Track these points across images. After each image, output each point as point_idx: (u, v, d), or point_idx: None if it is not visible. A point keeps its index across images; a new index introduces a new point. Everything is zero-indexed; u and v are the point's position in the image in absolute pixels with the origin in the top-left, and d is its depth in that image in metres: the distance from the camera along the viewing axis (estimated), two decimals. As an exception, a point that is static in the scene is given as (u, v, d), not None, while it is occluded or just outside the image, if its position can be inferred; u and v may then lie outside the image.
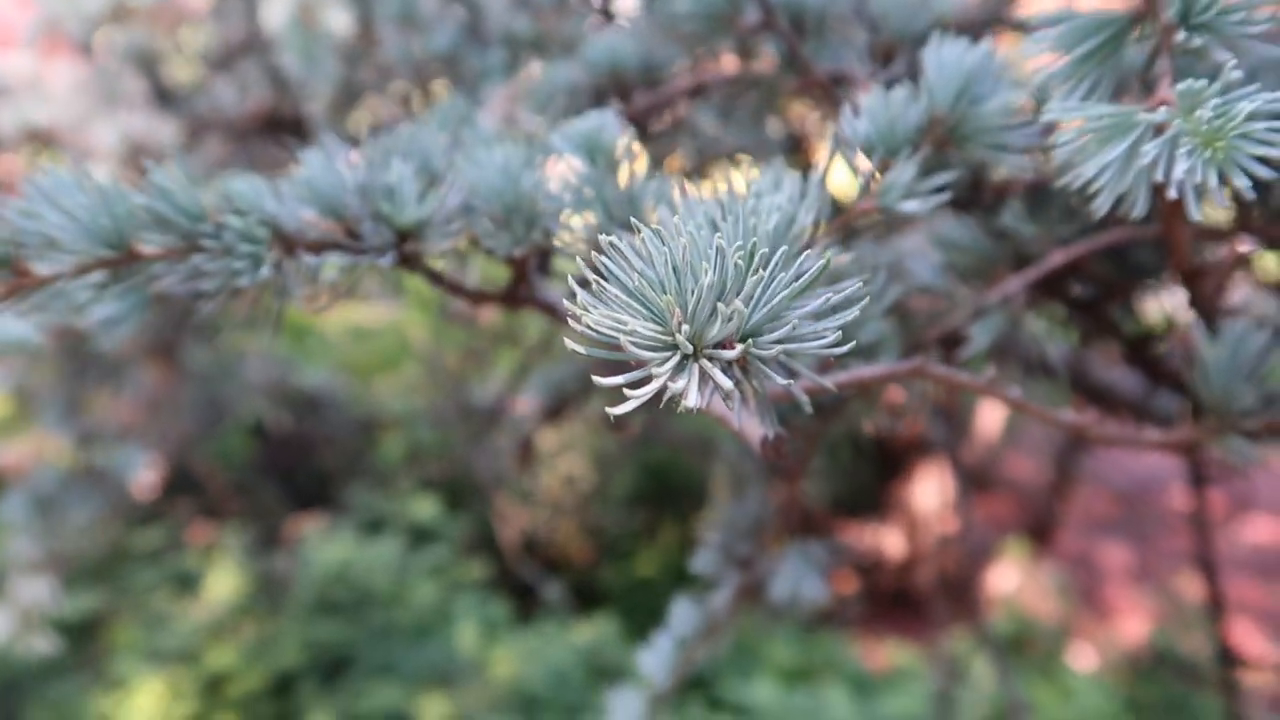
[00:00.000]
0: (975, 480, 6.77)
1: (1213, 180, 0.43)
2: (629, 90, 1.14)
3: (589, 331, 0.38)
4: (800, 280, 0.40)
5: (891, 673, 4.95)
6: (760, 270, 0.39)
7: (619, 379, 0.37)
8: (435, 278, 0.67)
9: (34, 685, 3.95)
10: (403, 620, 4.52)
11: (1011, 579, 6.07)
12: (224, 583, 4.42)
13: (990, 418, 5.52)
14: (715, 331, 0.38)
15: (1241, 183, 0.43)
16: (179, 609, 4.37)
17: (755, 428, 0.48)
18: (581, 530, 5.44)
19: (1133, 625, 6.03)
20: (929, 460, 5.29)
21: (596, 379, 0.37)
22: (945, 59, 0.64)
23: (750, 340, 0.39)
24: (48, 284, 0.51)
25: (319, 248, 0.62)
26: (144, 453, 1.58)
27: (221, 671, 4.07)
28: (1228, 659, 1.21)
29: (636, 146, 0.71)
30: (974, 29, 0.97)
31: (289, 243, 0.61)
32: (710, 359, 0.37)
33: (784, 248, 0.40)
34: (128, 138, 1.46)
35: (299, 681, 4.12)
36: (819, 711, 4.22)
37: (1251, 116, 0.42)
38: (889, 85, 0.92)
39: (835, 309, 0.41)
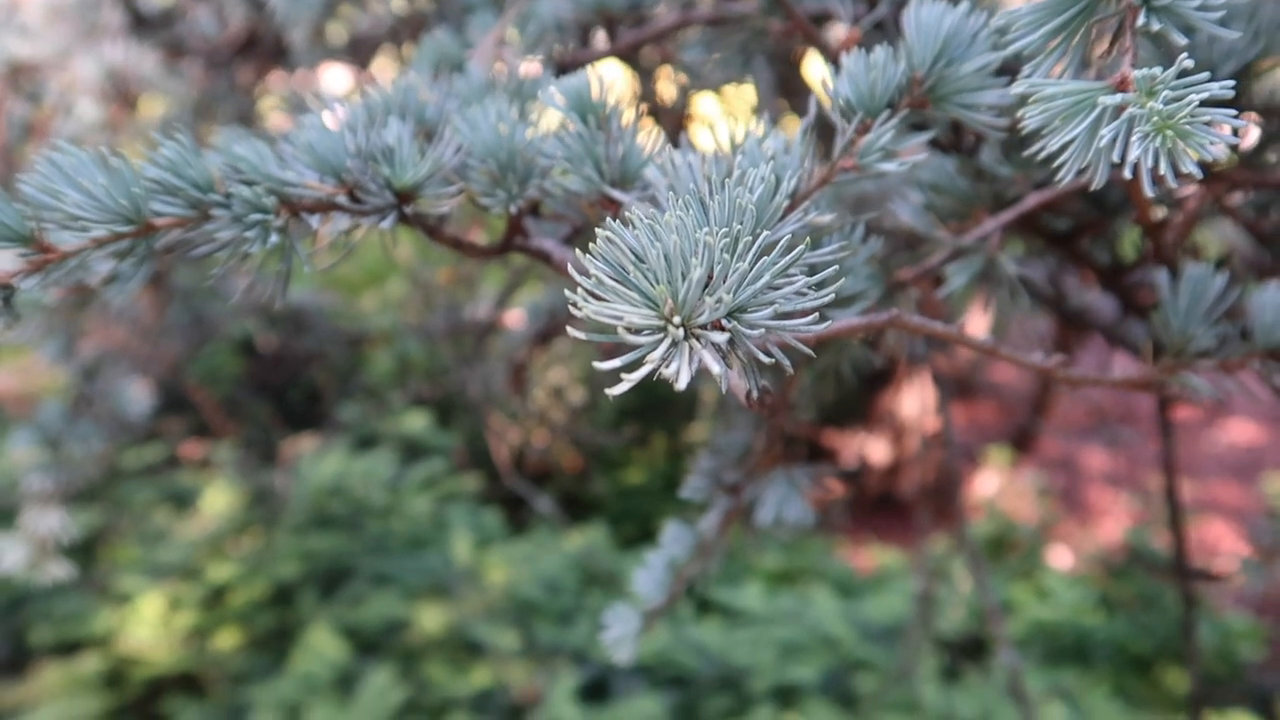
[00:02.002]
0: (959, 387, 6.88)
1: (1164, 165, 0.46)
2: (615, 26, 1.15)
3: (589, 319, 0.41)
4: (783, 262, 0.44)
5: (876, 573, 5.11)
6: (744, 259, 0.42)
7: (616, 362, 0.40)
8: (434, 234, 0.70)
9: (39, 602, 4.04)
10: (398, 531, 4.62)
11: (993, 483, 6.22)
12: (220, 498, 4.50)
13: (975, 327, 5.58)
14: (704, 316, 0.41)
15: (1191, 169, 0.46)
16: (177, 525, 4.45)
17: (741, 385, 0.51)
18: (571, 442, 5.53)
19: (1110, 526, 6.22)
20: (914, 370, 5.36)
21: (596, 364, 0.40)
22: (924, 20, 0.66)
23: (736, 320, 0.42)
24: (70, 258, 0.54)
25: (322, 209, 0.65)
26: (141, 382, 1.62)
27: (222, 584, 4.17)
28: (1186, 571, 1.28)
29: (626, 105, 0.73)
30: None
31: (293, 207, 0.63)
32: (699, 340, 0.41)
33: (765, 234, 0.44)
34: (110, 69, 1.46)
35: (298, 592, 4.23)
36: (805, 612, 4.37)
37: (1203, 105, 0.46)
38: (874, 27, 0.94)
39: (818, 286, 0.45)
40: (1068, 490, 6.62)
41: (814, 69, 1.74)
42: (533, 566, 4.60)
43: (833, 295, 0.44)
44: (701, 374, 0.45)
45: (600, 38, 1.17)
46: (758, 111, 1.51)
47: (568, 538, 4.89)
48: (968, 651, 4.28)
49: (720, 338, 0.41)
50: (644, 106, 1.26)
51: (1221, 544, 5.96)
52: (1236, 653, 4.42)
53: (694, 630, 4.19)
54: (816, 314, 0.43)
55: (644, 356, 0.40)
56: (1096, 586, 4.92)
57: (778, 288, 0.44)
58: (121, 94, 1.44)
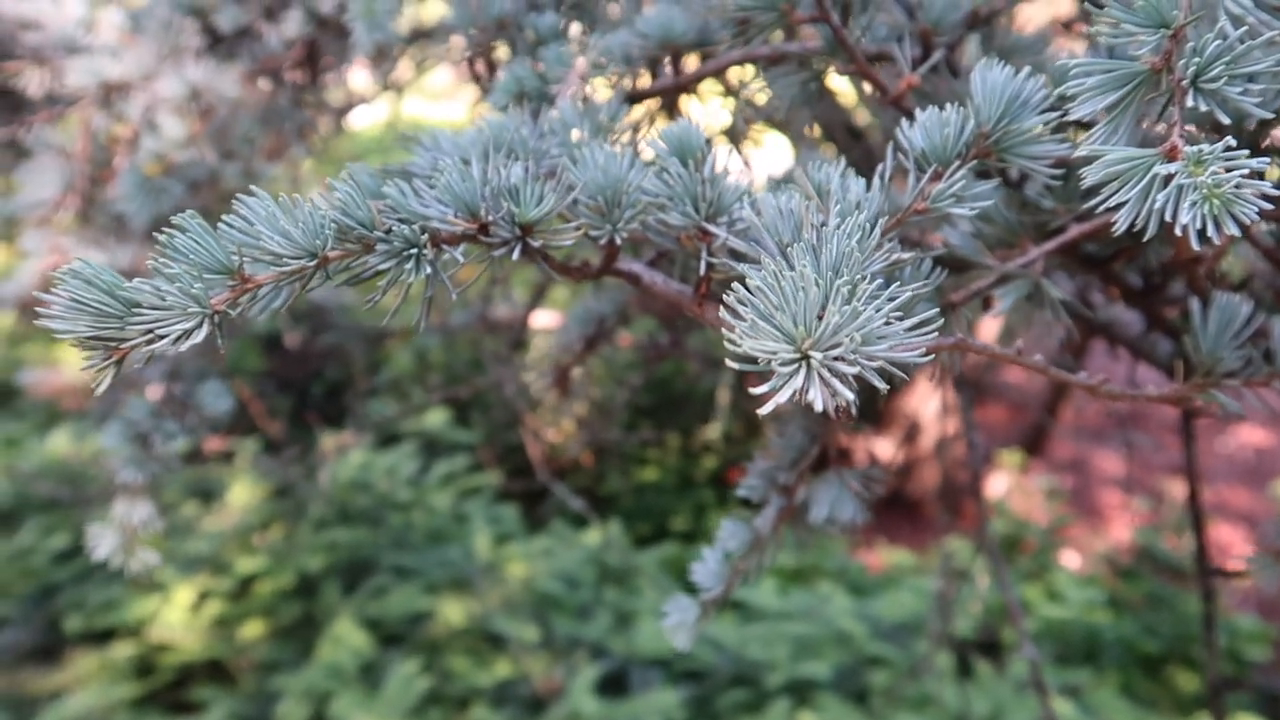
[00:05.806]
0: (972, 388, 6.94)
1: (1210, 228, 0.55)
2: (680, 59, 1.24)
3: (739, 349, 0.50)
4: (895, 304, 0.53)
5: (887, 571, 5.19)
6: (863, 302, 0.51)
7: (765, 387, 0.50)
8: (548, 260, 0.79)
9: (71, 592, 4.13)
10: (419, 526, 4.70)
11: (1003, 484, 6.30)
12: (245, 492, 4.59)
13: (988, 328, 5.66)
14: (838, 351, 0.50)
15: (1233, 231, 0.55)
16: (206, 518, 4.55)
17: (832, 400, 0.60)
18: (590, 440, 5.61)
19: (1119, 528, 6.29)
20: (942, 374, 5.41)
21: (752, 389, 0.49)
22: (991, 82, 0.75)
23: (858, 354, 0.51)
24: (263, 287, 0.63)
25: (457, 241, 0.74)
26: (225, 384, 1.73)
27: (249, 575, 4.26)
28: (1206, 568, 1.37)
29: (719, 149, 0.82)
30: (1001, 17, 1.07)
31: (436, 240, 0.73)
32: (831, 371, 0.50)
33: (879, 281, 0.53)
34: (192, 88, 1.55)
35: (322, 584, 4.31)
36: (818, 609, 4.46)
37: (1245, 177, 0.55)
38: (931, 71, 1.02)
39: (920, 325, 0.54)
40: (1078, 491, 6.69)
41: (836, 80, 1.83)
42: (551, 561, 4.68)
43: (936, 333, 0.53)
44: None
45: (666, 70, 1.26)
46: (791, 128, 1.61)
47: (585, 533, 4.97)
48: (982, 649, 4.36)
49: (851, 370, 0.50)
50: (707, 132, 1.34)
51: (1232, 547, 6.03)
52: (1244, 654, 4.50)
53: (710, 626, 4.26)
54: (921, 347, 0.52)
55: (784, 384, 0.50)
56: (1106, 587, 5.00)
57: (890, 323, 0.53)
58: (202, 110, 1.53)
